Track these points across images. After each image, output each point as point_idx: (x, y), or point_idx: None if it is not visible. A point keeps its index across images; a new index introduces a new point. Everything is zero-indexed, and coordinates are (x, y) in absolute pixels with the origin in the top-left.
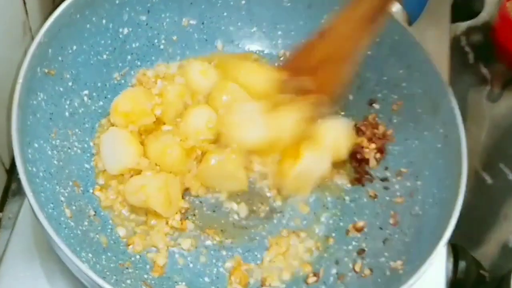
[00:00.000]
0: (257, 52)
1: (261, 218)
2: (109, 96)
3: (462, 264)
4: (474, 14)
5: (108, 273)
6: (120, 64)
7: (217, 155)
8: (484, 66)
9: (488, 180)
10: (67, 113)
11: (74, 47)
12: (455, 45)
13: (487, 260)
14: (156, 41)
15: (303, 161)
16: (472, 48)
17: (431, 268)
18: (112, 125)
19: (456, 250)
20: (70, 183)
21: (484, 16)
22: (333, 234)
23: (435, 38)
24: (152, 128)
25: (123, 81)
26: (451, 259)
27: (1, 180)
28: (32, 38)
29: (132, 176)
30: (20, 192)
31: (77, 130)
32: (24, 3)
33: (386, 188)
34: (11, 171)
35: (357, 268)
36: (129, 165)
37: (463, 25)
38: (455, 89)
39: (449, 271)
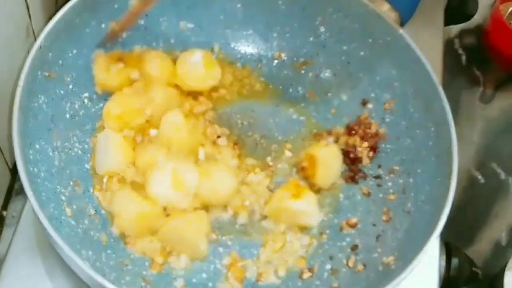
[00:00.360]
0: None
1: (257, 216)
2: (109, 98)
3: (455, 262)
4: (468, 17)
5: (107, 270)
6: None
7: (178, 220)
8: (477, 68)
9: (481, 179)
10: (67, 115)
11: (74, 51)
12: (449, 48)
13: (479, 257)
14: (154, 44)
15: (302, 202)
16: (465, 51)
17: (424, 265)
18: None
19: (449, 247)
20: (71, 183)
21: (477, 19)
22: (328, 231)
23: (429, 41)
24: (146, 127)
25: None
26: (444, 257)
27: (5, 179)
28: (35, 41)
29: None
30: (23, 191)
31: (77, 131)
32: (27, 6)
33: (379, 185)
34: (15, 170)
35: (351, 264)
36: (115, 170)
37: (457, 28)
38: (448, 90)
39: (442, 268)
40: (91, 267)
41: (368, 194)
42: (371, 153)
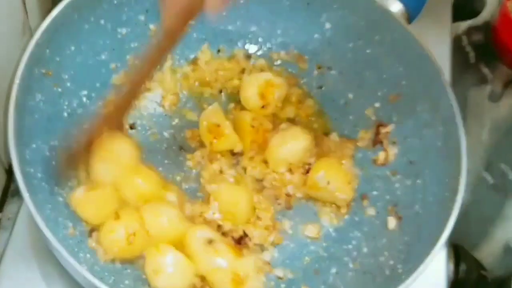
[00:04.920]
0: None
1: None
2: (107, 96)
3: (463, 265)
4: (475, 13)
5: (106, 274)
6: (118, 64)
7: None
8: (485, 65)
9: (490, 180)
10: (65, 114)
11: (72, 48)
12: (456, 45)
13: (488, 260)
14: None
15: None
16: (473, 48)
17: (432, 268)
18: None
19: (457, 250)
20: (68, 184)
21: (485, 15)
22: (333, 234)
23: (436, 38)
24: None
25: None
26: (452, 260)
27: (1, 180)
28: (32, 38)
29: None
30: (19, 192)
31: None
32: (24, 2)
33: (386, 187)
34: (11, 171)
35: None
36: None
37: (464, 25)
38: (456, 88)
39: (450, 272)
40: (88, 271)
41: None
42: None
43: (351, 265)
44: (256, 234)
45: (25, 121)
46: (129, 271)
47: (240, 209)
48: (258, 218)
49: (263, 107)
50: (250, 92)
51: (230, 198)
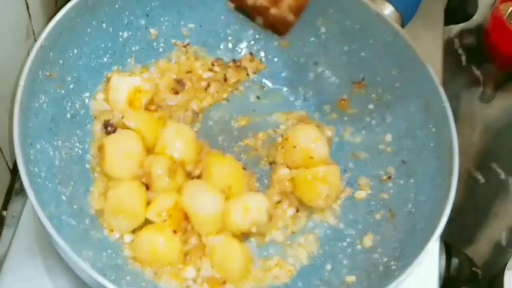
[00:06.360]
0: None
1: None
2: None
3: (455, 261)
4: (468, 17)
5: (108, 270)
6: (120, 67)
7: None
8: (477, 68)
9: (481, 179)
10: (68, 115)
11: (75, 51)
12: (449, 47)
13: (479, 257)
14: (155, 44)
15: None
16: (465, 50)
17: (424, 265)
18: None
19: (449, 247)
20: (72, 183)
21: (477, 18)
22: (328, 231)
23: (429, 40)
24: None
25: None
26: (444, 256)
27: (5, 179)
28: (35, 41)
29: None
30: (23, 191)
31: (78, 131)
32: (27, 6)
33: (379, 186)
34: (15, 170)
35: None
36: None
37: (457, 28)
38: (448, 90)
39: (442, 268)
40: (91, 267)
41: (369, 195)
42: None
43: (345, 262)
44: None
45: (29, 122)
46: (130, 267)
47: (234, 265)
48: None
49: None
50: None
51: (225, 254)
